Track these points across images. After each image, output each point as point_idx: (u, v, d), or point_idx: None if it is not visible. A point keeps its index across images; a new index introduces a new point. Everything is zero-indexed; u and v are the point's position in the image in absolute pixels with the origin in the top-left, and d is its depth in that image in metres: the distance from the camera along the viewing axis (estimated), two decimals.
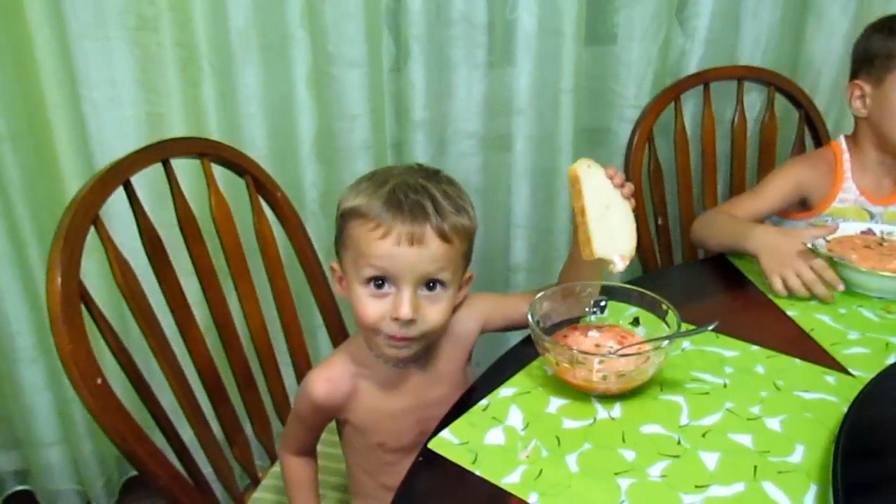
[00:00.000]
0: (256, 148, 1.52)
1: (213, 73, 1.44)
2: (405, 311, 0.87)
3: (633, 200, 1.00)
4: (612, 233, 0.95)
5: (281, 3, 1.45)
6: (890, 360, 0.98)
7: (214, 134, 1.46)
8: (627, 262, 0.94)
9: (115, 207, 1.04)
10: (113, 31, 1.36)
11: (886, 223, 1.32)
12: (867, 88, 1.36)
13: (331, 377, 0.99)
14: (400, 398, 1.00)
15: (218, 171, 1.26)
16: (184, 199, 1.13)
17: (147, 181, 1.27)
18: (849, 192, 1.39)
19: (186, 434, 1.09)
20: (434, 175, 0.94)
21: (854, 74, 1.39)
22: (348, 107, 1.54)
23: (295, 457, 1.09)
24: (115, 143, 1.41)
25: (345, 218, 0.91)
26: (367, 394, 1.00)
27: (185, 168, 1.27)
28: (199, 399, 1.13)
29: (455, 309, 0.97)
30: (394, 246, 0.86)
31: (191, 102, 1.44)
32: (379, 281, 0.89)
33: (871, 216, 1.38)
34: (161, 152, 1.11)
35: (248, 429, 1.24)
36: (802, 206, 1.43)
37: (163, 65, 1.41)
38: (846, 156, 1.41)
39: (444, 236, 0.87)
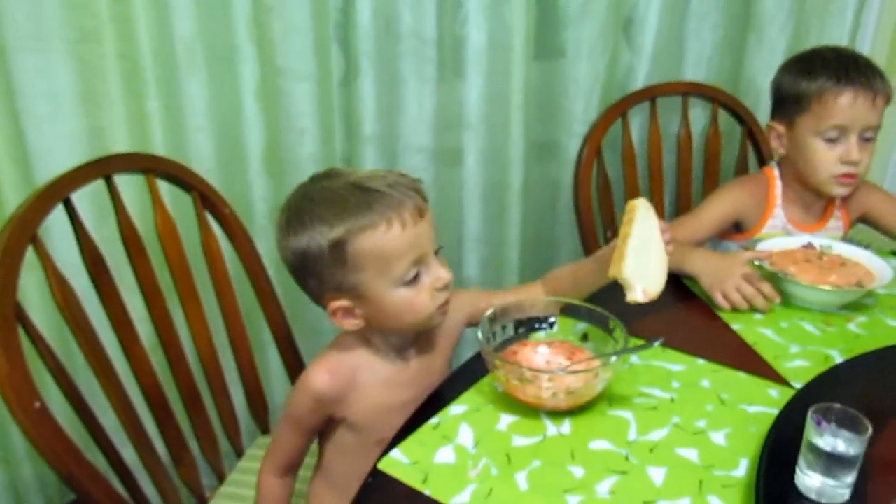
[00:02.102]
0: (204, 162, 1.49)
1: (158, 85, 1.41)
2: (445, 273, 0.93)
3: (670, 249, 1.04)
4: (646, 268, 0.98)
5: (227, 16, 1.43)
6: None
7: (160, 148, 1.43)
8: (647, 300, 0.96)
9: (57, 224, 1.02)
10: (53, 43, 1.32)
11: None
12: (781, 129, 1.40)
13: (331, 368, 0.99)
14: (401, 391, 0.99)
15: (164, 186, 1.24)
16: (127, 215, 1.11)
17: (91, 196, 1.24)
18: (777, 218, 1.43)
19: (130, 455, 1.06)
20: (336, 173, 0.94)
21: (772, 114, 1.43)
22: (297, 120, 1.52)
23: (276, 478, 1.05)
24: (56, 158, 1.36)
25: (340, 247, 0.88)
26: (369, 388, 0.99)
27: (130, 183, 1.25)
28: (144, 419, 1.11)
29: None
30: (413, 227, 0.89)
31: (135, 116, 1.41)
32: (415, 273, 0.91)
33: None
34: (103, 168, 1.09)
35: (195, 448, 1.21)
36: (737, 228, 1.47)
37: (105, 77, 1.37)
38: (778, 182, 1.44)
39: (424, 196, 0.92)
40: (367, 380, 0.98)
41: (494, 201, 1.75)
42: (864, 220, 1.47)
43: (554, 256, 1.93)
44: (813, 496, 0.74)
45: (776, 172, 1.45)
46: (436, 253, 0.94)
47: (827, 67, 1.32)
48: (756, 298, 1.16)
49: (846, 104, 1.29)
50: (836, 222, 1.43)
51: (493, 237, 1.80)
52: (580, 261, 1.13)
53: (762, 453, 0.80)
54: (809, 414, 0.75)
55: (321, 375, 0.97)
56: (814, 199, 1.43)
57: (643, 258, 0.98)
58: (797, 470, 0.76)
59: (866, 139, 1.32)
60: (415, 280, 0.91)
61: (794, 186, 1.42)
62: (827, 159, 1.33)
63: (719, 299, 1.18)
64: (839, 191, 1.36)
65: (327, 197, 0.90)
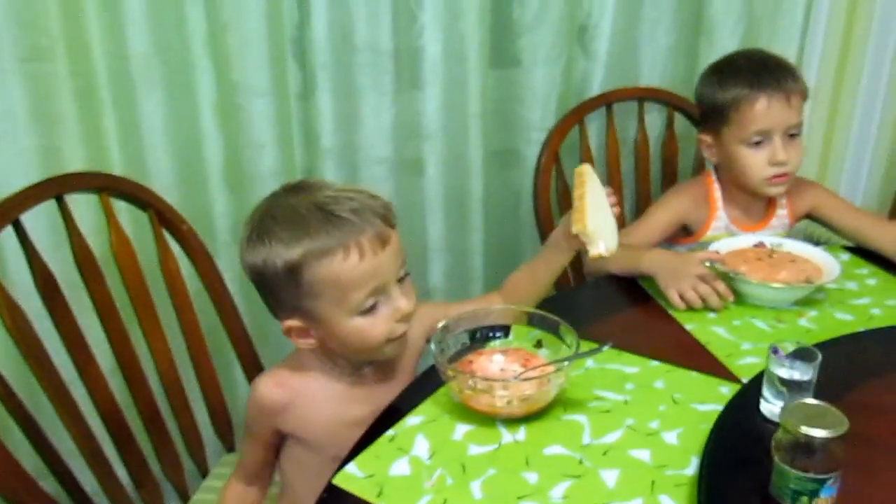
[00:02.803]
0: (163, 179, 1.49)
1: (114, 103, 1.40)
2: (406, 304, 0.92)
3: (616, 211, 1.07)
4: (602, 226, 1.01)
5: (182, 32, 1.43)
6: None
7: (118, 166, 1.43)
8: (607, 255, 0.99)
9: (8, 246, 1.01)
10: (4, 61, 1.31)
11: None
12: (710, 139, 1.43)
13: (278, 380, 0.99)
14: (356, 407, 0.99)
15: (122, 205, 1.23)
16: (80, 235, 1.10)
17: (45, 218, 1.24)
18: (720, 220, 1.46)
19: (89, 481, 1.06)
20: (307, 186, 0.94)
21: (700, 125, 1.46)
22: (255, 135, 1.52)
23: (239, 484, 1.06)
24: (10, 179, 1.35)
25: (296, 271, 0.87)
26: (320, 403, 0.99)
27: (86, 203, 1.25)
28: (104, 442, 1.10)
29: None
30: (372, 256, 0.87)
31: (91, 134, 1.40)
32: (372, 303, 0.90)
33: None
34: (55, 188, 1.09)
35: (157, 470, 1.21)
36: (686, 231, 1.49)
37: (59, 96, 1.37)
38: (716, 185, 1.47)
39: (391, 224, 0.91)
40: (318, 394, 0.99)
41: (456, 210, 1.76)
42: (811, 217, 1.49)
43: (518, 263, 1.90)
44: (777, 419, 0.79)
45: (714, 177, 1.48)
46: (402, 279, 0.93)
47: (738, 76, 1.35)
48: (711, 297, 1.18)
49: (762, 109, 1.32)
50: (780, 221, 1.46)
51: (457, 246, 1.81)
52: (532, 258, 1.14)
53: (706, 449, 0.82)
54: (769, 351, 0.88)
55: (266, 386, 0.98)
56: (753, 200, 1.45)
57: (599, 217, 1.01)
58: (762, 401, 0.89)
59: (791, 136, 1.35)
60: (372, 309, 0.91)
61: (732, 189, 1.45)
62: (756, 164, 1.36)
63: (675, 298, 1.19)
64: (774, 190, 1.38)
65: (288, 216, 0.89)
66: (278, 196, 0.94)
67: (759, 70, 1.34)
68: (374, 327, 0.91)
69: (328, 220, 0.87)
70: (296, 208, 0.89)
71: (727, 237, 1.38)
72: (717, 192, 1.46)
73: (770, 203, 1.46)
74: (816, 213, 1.47)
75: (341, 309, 0.89)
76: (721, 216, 1.45)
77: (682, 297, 1.19)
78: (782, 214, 1.46)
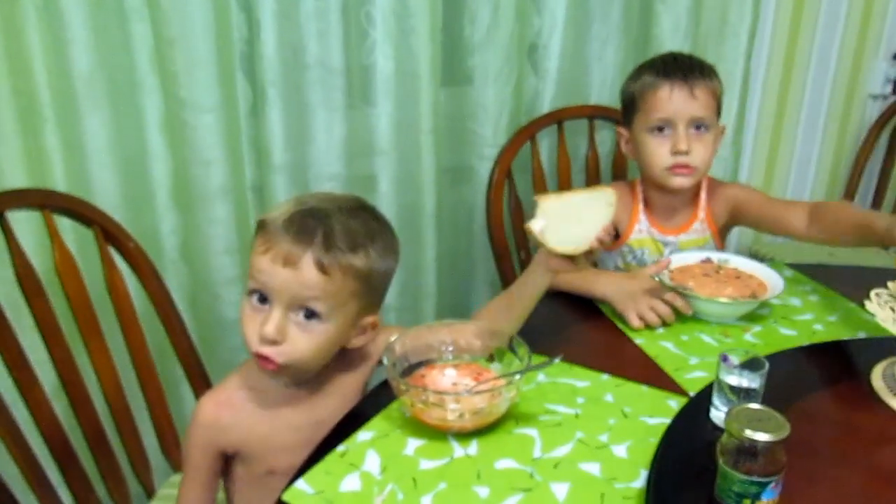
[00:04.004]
0: (109, 197, 1.47)
1: (57, 121, 1.38)
2: (269, 328, 0.88)
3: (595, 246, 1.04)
4: (562, 224, 1.01)
5: (127, 49, 1.42)
6: None
7: (61, 185, 1.40)
8: (537, 238, 1.00)
9: None
10: None
11: (681, 251, 1.41)
12: (626, 133, 1.46)
13: (219, 399, 0.98)
14: (289, 416, 0.98)
15: (66, 223, 1.21)
16: (22, 254, 1.08)
17: None
18: (642, 223, 1.47)
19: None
20: (354, 209, 0.94)
21: (623, 122, 1.49)
22: (203, 152, 1.51)
23: None
24: None
25: (256, 229, 0.93)
26: (258, 416, 0.97)
27: (27, 221, 1.22)
28: (46, 465, 1.07)
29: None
30: (270, 263, 0.88)
31: (33, 153, 1.37)
32: (261, 296, 0.90)
33: (665, 245, 1.46)
34: None
35: (102, 492, 1.18)
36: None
37: (0, 113, 1.34)
38: (639, 188, 1.49)
39: (321, 266, 0.88)
40: (258, 408, 0.98)
41: (409, 226, 1.76)
42: (735, 218, 1.48)
43: (470, 279, 1.95)
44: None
45: (638, 179, 1.50)
46: (307, 316, 0.90)
47: (651, 67, 1.39)
48: (670, 318, 1.20)
49: (664, 97, 1.35)
50: (701, 225, 1.47)
51: (409, 262, 1.80)
52: (507, 291, 1.13)
53: (654, 460, 0.83)
54: (719, 359, 0.91)
55: (208, 407, 0.98)
56: (673, 203, 1.46)
57: (569, 216, 1.01)
58: (711, 409, 0.92)
59: (697, 129, 1.37)
60: (259, 302, 0.91)
61: (652, 192, 1.46)
62: (658, 152, 1.38)
63: (635, 321, 1.20)
64: (677, 181, 1.38)
65: (298, 200, 0.94)
66: (337, 195, 1.00)
67: (667, 62, 1.38)
68: (247, 318, 0.92)
69: (289, 218, 0.90)
70: (312, 200, 0.95)
71: (650, 241, 1.41)
72: (639, 194, 1.48)
73: (691, 205, 1.47)
74: (738, 212, 1.46)
75: (247, 281, 0.92)
76: (642, 219, 1.47)
77: (642, 319, 1.20)
78: (702, 216, 1.46)
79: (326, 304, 0.90)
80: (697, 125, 1.37)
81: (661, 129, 1.37)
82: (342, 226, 0.90)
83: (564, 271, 1.04)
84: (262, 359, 0.91)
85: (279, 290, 0.89)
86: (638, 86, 1.39)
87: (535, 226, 0.99)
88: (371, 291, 0.96)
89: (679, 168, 1.37)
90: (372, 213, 0.98)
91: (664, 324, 1.20)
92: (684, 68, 1.36)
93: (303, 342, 0.91)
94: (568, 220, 1.01)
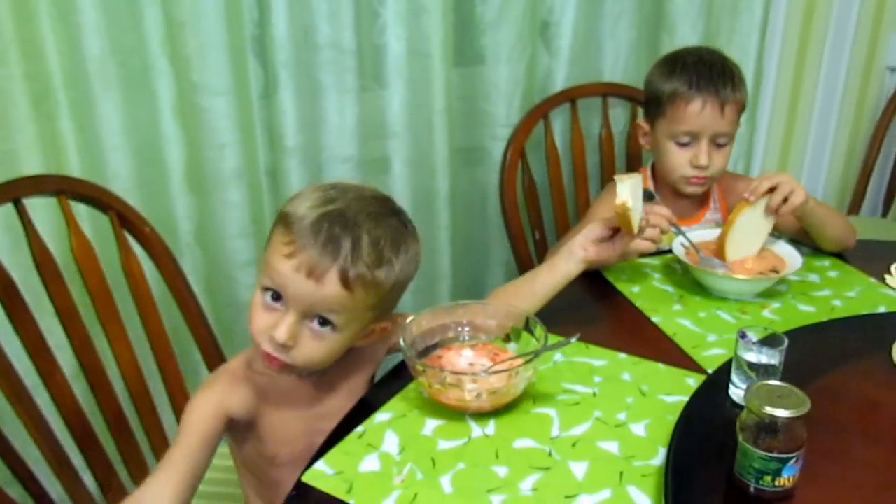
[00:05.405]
0: (123, 182, 1.47)
1: (71, 106, 1.38)
2: (281, 333, 0.86)
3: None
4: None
5: (139, 33, 1.41)
6: None
7: (76, 169, 1.40)
8: (628, 205, 1.02)
9: None
10: None
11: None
12: (647, 128, 1.45)
13: (230, 368, 0.97)
14: (292, 405, 0.98)
15: (82, 208, 1.21)
16: (39, 239, 1.08)
17: (3, 222, 1.21)
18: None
19: (55, 487, 1.04)
20: (383, 215, 0.90)
21: (644, 112, 1.48)
22: (217, 135, 1.51)
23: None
24: None
25: (278, 220, 0.90)
26: (264, 399, 0.97)
27: (45, 207, 1.22)
28: (69, 448, 1.08)
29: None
30: (293, 271, 0.85)
31: (47, 138, 1.38)
32: (275, 294, 0.88)
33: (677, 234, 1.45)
34: (11, 192, 1.06)
35: (124, 474, 1.19)
36: None
37: (14, 99, 1.34)
38: (651, 181, 1.49)
39: (345, 282, 0.85)
40: (263, 391, 0.97)
41: (423, 208, 1.76)
42: None
43: (485, 260, 1.94)
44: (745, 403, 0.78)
45: (648, 172, 1.49)
46: (321, 323, 0.88)
47: (684, 72, 1.36)
48: (662, 221, 1.15)
49: (695, 112, 1.34)
50: (713, 216, 1.46)
51: (424, 244, 1.75)
52: (531, 272, 1.13)
53: (673, 437, 0.83)
54: (737, 335, 0.90)
55: (218, 373, 0.97)
56: (685, 195, 1.45)
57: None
58: (730, 386, 0.92)
59: (718, 144, 1.37)
60: (272, 300, 0.88)
61: (664, 185, 1.46)
62: (678, 161, 1.38)
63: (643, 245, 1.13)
64: (690, 190, 1.41)
65: (326, 197, 0.89)
66: (366, 194, 0.93)
67: (702, 72, 1.35)
68: (257, 313, 0.89)
69: (317, 222, 0.85)
70: (341, 200, 0.90)
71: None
72: (651, 185, 1.48)
73: (703, 198, 1.47)
74: None
75: (261, 275, 0.90)
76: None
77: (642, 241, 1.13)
78: (714, 208, 1.47)
79: (343, 317, 0.88)
80: (720, 141, 1.37)
81: (685, 143, 1.37)
82: (370, 236, 0.86)
83: (601, 264, 1.03)
84: (268, 357, 0.89)
85: (298, 299, 0.86)
86: (668, 90, 1.36)
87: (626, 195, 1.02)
88: (389, 301, 0.94)
89: (695, 179, 1.39)
90: (399, 217, 0.94)
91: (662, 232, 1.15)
92: (717, 82, 1.34)
93: (313, 348, 0.89)
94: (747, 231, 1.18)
